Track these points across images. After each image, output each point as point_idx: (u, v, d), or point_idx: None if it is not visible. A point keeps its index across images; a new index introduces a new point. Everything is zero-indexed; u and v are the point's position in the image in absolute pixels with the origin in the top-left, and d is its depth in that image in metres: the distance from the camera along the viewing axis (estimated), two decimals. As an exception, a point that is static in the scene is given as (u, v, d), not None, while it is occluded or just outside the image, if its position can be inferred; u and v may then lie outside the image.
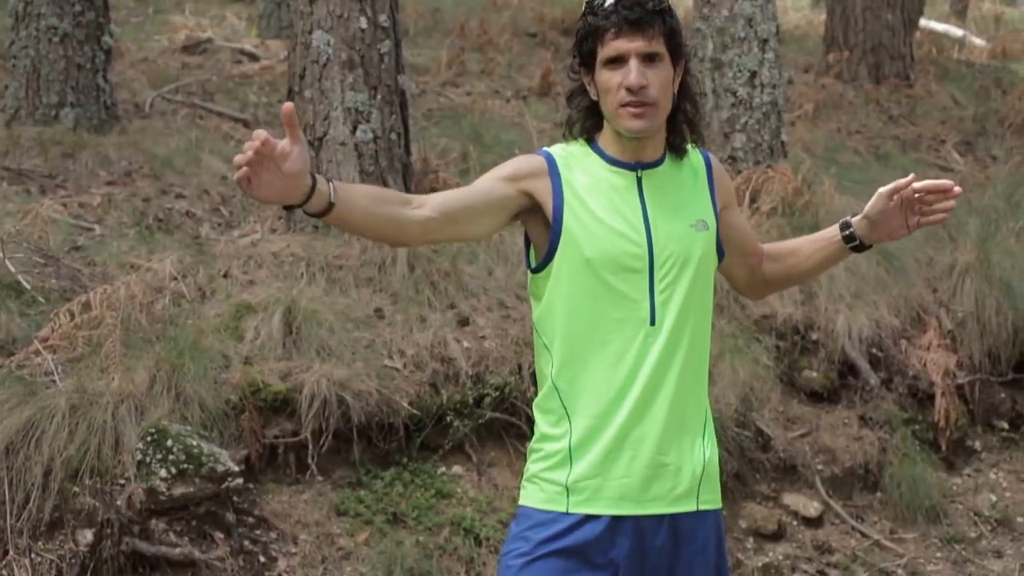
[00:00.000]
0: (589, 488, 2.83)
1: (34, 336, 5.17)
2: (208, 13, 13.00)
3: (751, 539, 5.84)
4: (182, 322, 5.43)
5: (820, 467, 6.21)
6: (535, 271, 2.90)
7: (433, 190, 6.24)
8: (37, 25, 8.07)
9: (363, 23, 6.46)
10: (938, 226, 7.08)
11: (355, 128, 6.45)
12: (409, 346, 5.66)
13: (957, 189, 2.92)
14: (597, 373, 2.84)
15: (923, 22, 13.41)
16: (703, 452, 2.91)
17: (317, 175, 2.57)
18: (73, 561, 4.49)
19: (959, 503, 6.39)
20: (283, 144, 2.49)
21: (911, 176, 2.95)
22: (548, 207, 2.85)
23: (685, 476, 2.87)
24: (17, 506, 4.51)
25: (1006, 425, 6.86)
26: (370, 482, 5.36)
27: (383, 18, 6.51)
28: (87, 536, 4.55)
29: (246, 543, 4.91)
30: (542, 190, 2.86)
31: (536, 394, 2.97)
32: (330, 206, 2.59)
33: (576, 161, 2.90)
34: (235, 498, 5.00)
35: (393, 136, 6.58)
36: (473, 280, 6.23)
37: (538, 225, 2.88)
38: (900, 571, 5.87)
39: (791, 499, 6.06)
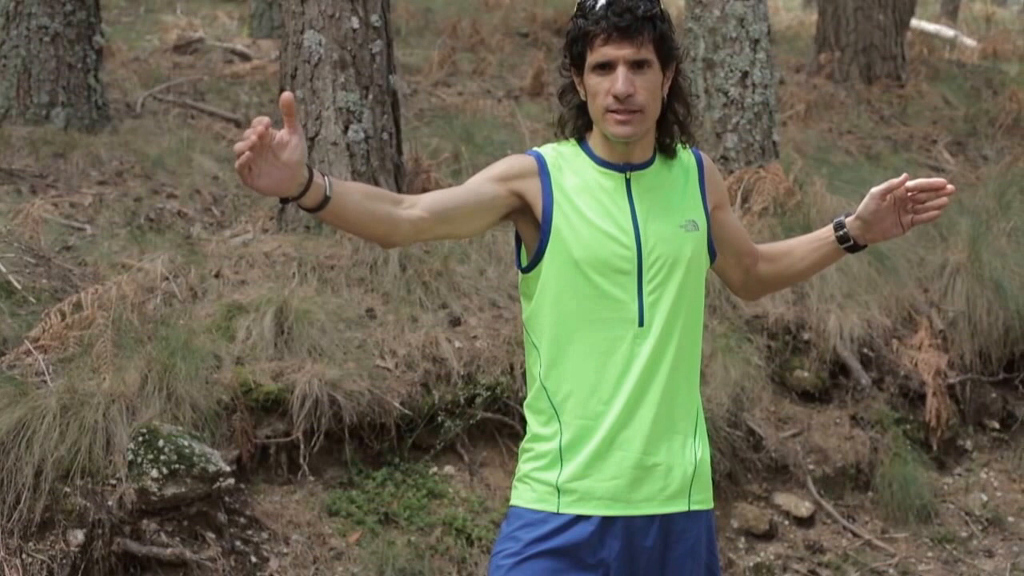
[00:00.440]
0: (580, 488, 2.83)
1: (25, 336, 5.16)
2: (199, 13, 12.98)
3: (742, 539, 5.84)
4: (173, 322, 5.43)
5: (811, 467, 6.21)
6: (525, 271, 2.90)
7: (425, 190, 6.23)
8: (28, 24, 8.05)
9: (355, 23, 6.45)
10: (929, 226, 7.12)
11: (347, 128, 6.44)
12: (401, 346, 5.66)
13: (950, 187, 2.93)
14: (586, 374, 2.84)
15: (914, 22, 13.44)
16: (695, 452, 2.91)
17: (314, 169, 2.57)
18: (64, 561, 4.48)
19: (950, 503, 6.40)
20: (281, 133, 2.48)
21: (904, 176, 2.95)
22: (538, 208, 2.85)
23: (676, 476, 2.87)
24: (8, 506, 4.50)
25: (997, 425, 6.88)
26: (362, 482, 5.36)
27: (375, 18, 6.51)
28: (78, 536, 4.54)
29: (237, 543, 4.91)
30: (532, 191, 2.86)
31: (527, 394, 2.97)
32: (326, 200, 2.58)
33: (566, 162, 2.90)
34: (226, 498, 5.00)
35: (385, 136, 6.58)
36: (465, 280, 6.22)
37: (528, 225, 2.88)
38: (891, 571, 5.88)
39: (782, 499, 6.07)
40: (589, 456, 2.83)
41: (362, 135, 6.47)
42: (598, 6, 2.78)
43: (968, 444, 6.75)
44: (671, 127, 2.92)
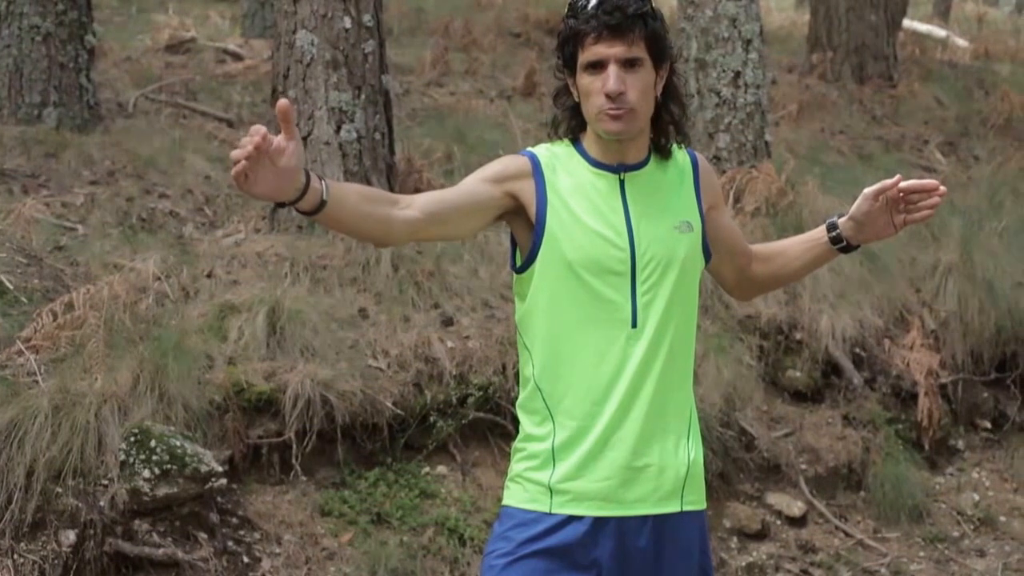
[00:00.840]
0: (572, 489, 2.83)
1: (16, 336, 5.15)
2: (192, 12, 12.96)
3: (735, 538, 5.85)
4: (165, 322, 5.42)
5: (804, 467, 6.22)
6: (519, 272, 2.90)
7: (417, 190, 6.24)
8: (19, 24, 8.03)
9: (347, 23, 6.45)
10: (921, 226, 7.13)
11: (339, 128, 6.44)
12: (393, 346, 5.66)
13: (943, 189, 2.93)
14: (579, 375, 2.84)
15: (906, 23, 13.46)
16: (687, 453, 2.91)
17: (311, 173, 2.57)
18: (56, 562, 4.47)
19: (942, 502, 6.41)
20: (278, 140, 2.47)
21: (897, 177, 2.95)
22: (531, 209, 2.84)
23: (669, 477, 2.87)
24: (-1, 507, 4.49)
25: (989, 424, 6.89)
26: (354, 482, 5.36)
27: (367, 18, 6.50)
28: (70, 537, 4.53)
29: (230, 543, 4.90)
30: (526, 191, 2.85)
31: (519, 394, 2.96)
32: (322, 204, 2.57)
33: (560, 162, 2.89)
34: (219, 498, 4.99)
35: (377, 136, 6.58)
36: (457, 280, 6.22)
37: (522, 226, 2.88)
38: (883, 570, 5.88)
39: (775, 498, 6.08)
40: (582, 457, 2.83)
41: (354, 135, 6.47)
42: (589, 5, 2.77)
43: (960, 444, 6.76)
44: (666, 127, 2.91)
